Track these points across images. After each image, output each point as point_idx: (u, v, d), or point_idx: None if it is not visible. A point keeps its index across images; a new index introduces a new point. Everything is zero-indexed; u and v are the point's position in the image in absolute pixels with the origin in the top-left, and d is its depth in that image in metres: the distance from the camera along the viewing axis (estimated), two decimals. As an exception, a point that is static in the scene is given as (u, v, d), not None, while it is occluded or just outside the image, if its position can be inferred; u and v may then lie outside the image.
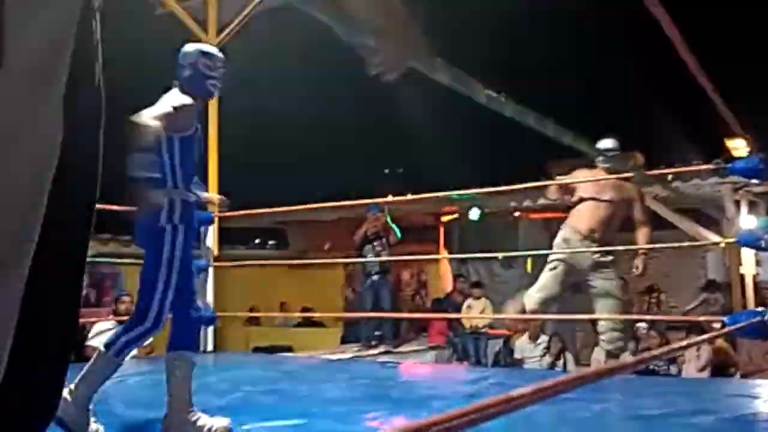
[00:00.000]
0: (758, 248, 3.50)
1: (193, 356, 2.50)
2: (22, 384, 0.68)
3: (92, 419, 2.36)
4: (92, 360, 2.39)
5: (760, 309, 3.30)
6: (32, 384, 0.71)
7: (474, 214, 8.55)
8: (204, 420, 2.41)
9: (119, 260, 7.29)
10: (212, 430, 2.38)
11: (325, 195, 5.57)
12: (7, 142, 0.61)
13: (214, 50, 2.68)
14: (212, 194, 2.72)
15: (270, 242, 13.04)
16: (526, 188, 6.90)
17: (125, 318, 5.90)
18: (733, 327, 3.33)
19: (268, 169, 12.63)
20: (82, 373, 2.34)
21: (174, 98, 2.48)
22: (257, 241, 13.70)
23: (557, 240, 4.54)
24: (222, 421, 2.45)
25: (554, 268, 4.36)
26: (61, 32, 0.64)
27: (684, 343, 3.50)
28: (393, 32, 0.90)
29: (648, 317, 6.76)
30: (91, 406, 2.37)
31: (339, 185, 9.71)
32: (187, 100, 2.47)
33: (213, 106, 5.94)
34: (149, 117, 2.32)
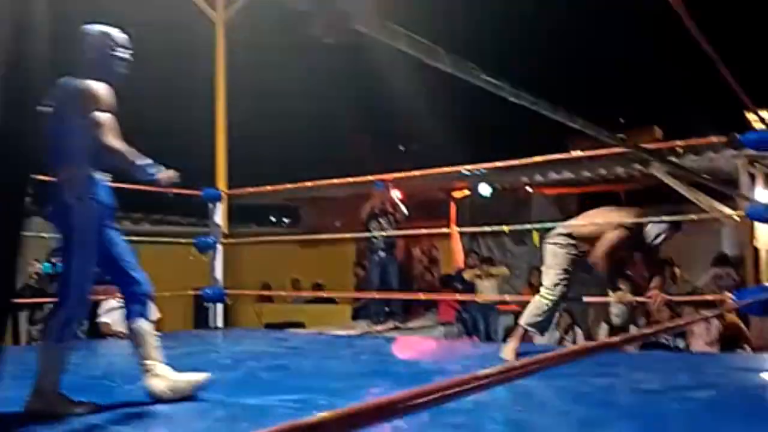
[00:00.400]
0: (766, 221, 3.43)
1: (142, 324, 2.64)
2: None
3: (77, 400, 2.40)
4: (39, 355, 2.42)
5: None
6: None
7: (484, 189, 8.49)
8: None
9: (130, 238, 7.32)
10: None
11: (339, 173, 5.55)
12: None
13: (115, 31, 2.68)
14: (163, 171, 2.73)
15: (283, 220, 13.09)
16: (536, 163, 6.80)
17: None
18: (739, 303, 3.29)
19: (279, 148, 12.60)
20: (38, 369, 2.37)
21: (88, 83, 2.47)
22: (273, 219, 13.76)
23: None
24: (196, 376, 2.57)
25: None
26: None
27: (682, 321, 3.46)
28: None
29: (642, 299, 6.68)
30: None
31: (353, 163, 9.67)
32: (101, 86, 2.46)
33: (220, 83, 5.92)
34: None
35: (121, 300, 6.01)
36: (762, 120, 3.22)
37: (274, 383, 3.06)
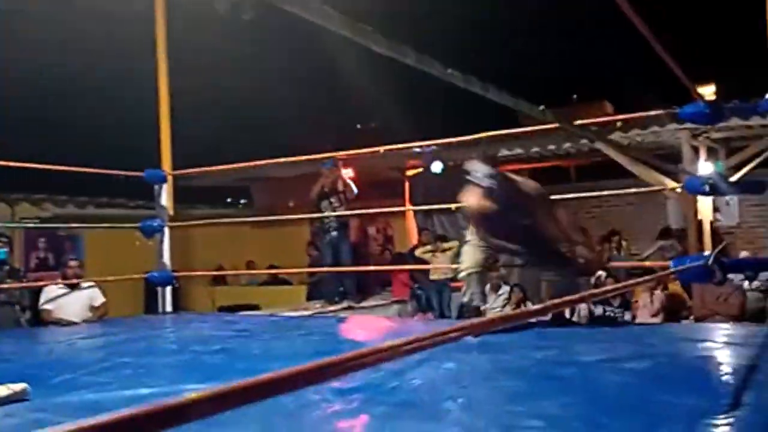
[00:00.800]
0: (703, 193, 3.51)
1: None
2: None
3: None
4: None
5: (705, 253, 3.33)
6: None
7: (436, 167, 8.50)
8: None
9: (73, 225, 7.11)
10: None
11: (293, 152, 5.46)
12: None
13: None
14: None
15: (233, 200, 12.89)
16: (487, 138, 6.84)
17: (74, 282, 5.82)
18: (675, 269, 3.37)
19: (232, 128, 12.38)
20: None
21: None
22: (229, 200, 13.54)
23: None
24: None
25: None
26: None
27: (609, 287, 3.53)
28: None
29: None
30: None
31: (309, 141, 9.55)
32: None
33: (162, 61, 5.74)
34: None
35: (64, 287, 5.83)
36: (698, 94, 3.27)
37: (217, 367, 3.00)
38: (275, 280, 9.86)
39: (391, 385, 2.28)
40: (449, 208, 7.02)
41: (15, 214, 8.93)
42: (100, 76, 9.10)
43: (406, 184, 10.09)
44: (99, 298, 5.99)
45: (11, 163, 4.77)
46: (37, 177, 7.39)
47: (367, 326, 4.67)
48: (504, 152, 8.25)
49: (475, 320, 2.07)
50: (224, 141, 10.78)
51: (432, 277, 7.79)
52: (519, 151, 8.24)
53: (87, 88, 8.86)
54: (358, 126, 16.20)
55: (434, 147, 7.39)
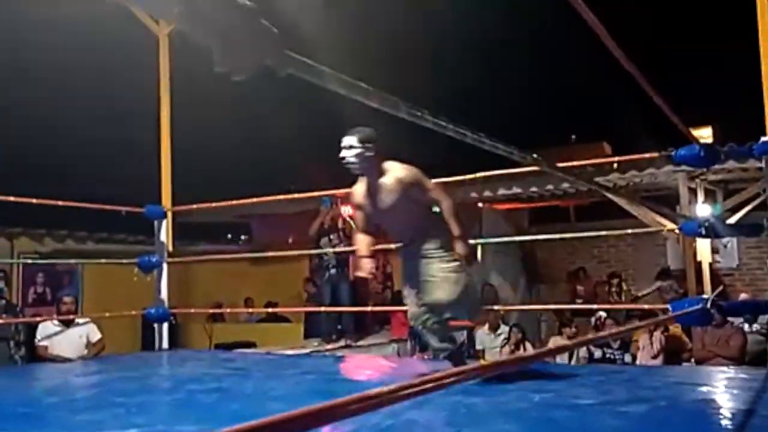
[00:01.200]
0: (700, 236, 3.52)
1: None
2: None
3: None
4: None
5: (704, 296, 3.32)
6: None
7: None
8: None
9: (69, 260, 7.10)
10: None
11: (293, 189, 5.50)
12: None
13: None
14: None
15: (233, 237, 12.89)
16: (484, 178, 6.88)
17: (69, 318, 5.78)
18: (675, 314, 3.35)
19: (231, 164, 12.46)
20: None
21: None
22: (229, 236, 13.54)
23: None
24: None
25: None
26: None
27: (609, 332, 3.50)
28: (237, 31, 0.84)
29: (595, 306, 6.82)
30: None
31: (309, 178, 9.59)
32: None
33: (164, 99, 5.81)
34: None
35: (59, 324, 5.79)
36: (693, 137, 3.31)
37: (211, 407, 2.97)
38: (273, 317, 9.80)
39: (386, 424, 2.25)
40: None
41: (14, 249, 8.93)
42: (100, 113, 9.20)
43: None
44: (95, 335, 5.95)
45: (11, 198, 4.79)
46: (36, 212, 7.41)
47: (364, 366, 4.63)
48: (502, 191, 8.29)
49: (481, 364, 2.06)
50: (223, 177, 10.84)
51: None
52: (517, 190, 8.29)
53: (87, 124, 8.95)
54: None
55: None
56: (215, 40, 0.81)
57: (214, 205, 5.79)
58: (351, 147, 3.16)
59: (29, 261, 8.79)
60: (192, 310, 7.38)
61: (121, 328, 7.88)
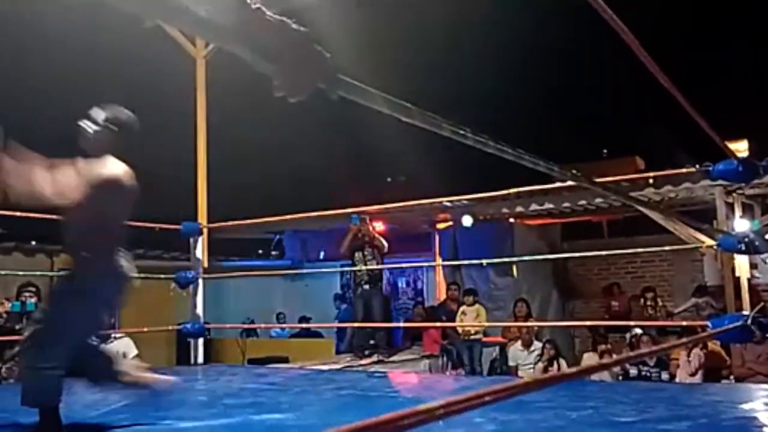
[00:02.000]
0: (738, 252, 3.46)
1: None
2: None
3: None
4: None
5: (745, 313, 3.26)
6: None
7: (466, 220, 8.51)
8: None
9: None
10: None
11: (324, 205, 5.55)
12: None
13: None
14: None
15: (263, 252, 13.02)
16: (516, 194, 6.86)
17: (107, 334, 5.92)
18: (715, 332, 3.30)
19: (262, 181, 12.60)
20: None
21: None
22: (260, 252, 13.69)
23: None
24: None
25: None
26: None
27: (648, 350, 3.46)
28: (291, 56, 0.89)
29: (632, 323, 6.71)
30: None
31: (340, 194, 9.66)
32: None
33: (201, 117, 5.93)
34: None
35: (95, 340, 5.92)
36: (730, 152, 3.27)
37: (247, 424, 3.01)
38: (305, 332, 9.86)
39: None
40: (480, 263, 7.01)
41: (54, 266, 9.15)
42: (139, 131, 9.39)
43: (436, 238, 10.11)
44: (132, 350, 6.05)
45: (51, 216, 4.94)
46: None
47: (398, 381, 4.63)
48: (534, 207, 8.24)
49: (525, 380, 2.06)
50: (255, 193, 10.97)
51: (462, 332, 7.71)
52: (550, 206, 8.23)
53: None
54: (388, 179, 16.38)
55: (465, 201, 7.42)
56: (273, 66, 0.85)
57: (249, 222, 5.87)
58: (95, 121, 2.71)
59: (52, 274, 9.01)
60: (227, 326, 7.46)
61: (156, 343, 8.00)
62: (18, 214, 4.31)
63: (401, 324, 7.62)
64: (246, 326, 9.19)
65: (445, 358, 7.88)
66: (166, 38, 5.92)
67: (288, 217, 5.78)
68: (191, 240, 5.81)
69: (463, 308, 7.80)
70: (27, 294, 6.61)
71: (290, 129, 11.43)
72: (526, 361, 7.03)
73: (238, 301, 10.14)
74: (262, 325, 9.61)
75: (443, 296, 9.16)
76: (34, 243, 8.97)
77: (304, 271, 8.35)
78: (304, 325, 9.16)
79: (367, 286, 7.09)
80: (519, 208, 8.31)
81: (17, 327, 6.27)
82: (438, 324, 7.78)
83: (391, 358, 7.44)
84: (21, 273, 6.85)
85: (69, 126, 2.75)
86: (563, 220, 9.63)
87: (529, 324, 6.57)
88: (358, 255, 7.10)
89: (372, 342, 7.27)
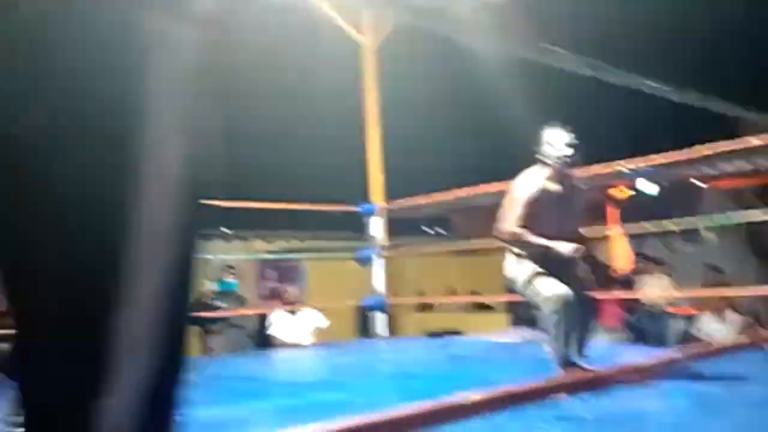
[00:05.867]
0: None
1: None
2: None
3: None
4: None
5: None
6: None
7: (650, 188, 7.98)
8: None
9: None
10: None
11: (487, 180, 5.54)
12: None
13: None
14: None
15: (438, 230, 13.24)
16: (702, 156, 6.34)
17: (295, 308, 6.39)
18: None
19: (432, 160, 12.74)
20: None
21: None
22: (426, 230, 13.95)
23: None
24: None
25: None
26: None
27: None
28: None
29: None
30: None
31: (502, 168, 9.53)
32: None
33: (371, 103, 6.14)
34: None
35: (286, 313, 6.42)
36: None
37: (432, 390, 3.12)
38: (478, 306, 9.93)
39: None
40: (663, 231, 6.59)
41: (248, 249, 10.13)
42: (301, 113, 9.86)
43: (609, 207, 9.63)
44: (323, 321, 6.52)
45: (249, 204, 5.49)
46: (265, 216, 8.28)
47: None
48: (726, 168, 7.55)
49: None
50: (424, 171, 11.15)
51: (645, 302, 7.31)
52: (742, 164, 7.49)
53: (299, 134, 9.71)
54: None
55: (645, 167, 6.99)
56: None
57: (424, 200, 6.01)
58: (576, 147, 3.25)
59: (261, 257, 9.92)
60: (407, 300, 7.72)
61: (337, 317, 8.52)
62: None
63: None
64: (424, 300, 9.44)
65: (627, 331, 7.54)
66: (333, 28, 6.15)
67: (462, 193, 5.84)
68: (365, 220, 6.08)
69: (647, 278, 7.39)
70: (228, 274, 7.41)
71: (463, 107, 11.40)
72: (721, 332, 6.52)
73: (411, 277, 10.44)
74: (440, 299, 9.84)
75: (623, 266, 8.74)
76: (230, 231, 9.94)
77: (476, 246, 8.37)
78: (477, 298, 9.23)
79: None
80: (706, 170, 7.67)
81: (217, 304, 7.05)
82: (622, 294, 7.45)
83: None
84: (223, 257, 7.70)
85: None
86: (758, 181, 8.73)
87: (723, 292, 6.07)
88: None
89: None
